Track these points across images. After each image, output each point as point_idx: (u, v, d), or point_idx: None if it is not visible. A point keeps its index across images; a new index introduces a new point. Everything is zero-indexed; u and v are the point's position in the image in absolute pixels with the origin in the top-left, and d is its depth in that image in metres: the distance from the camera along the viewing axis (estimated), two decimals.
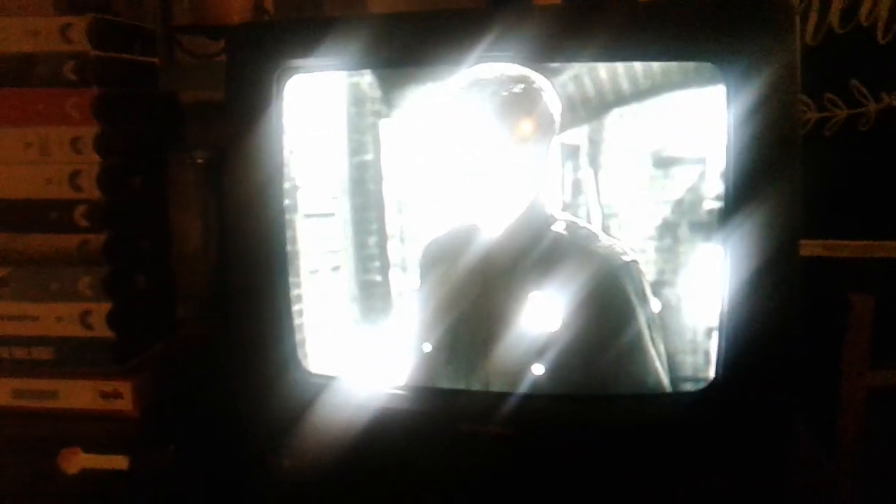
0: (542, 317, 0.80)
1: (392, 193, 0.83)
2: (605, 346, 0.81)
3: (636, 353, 0.80)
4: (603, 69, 0.76)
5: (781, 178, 0.71)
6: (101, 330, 0.94)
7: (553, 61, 0.77)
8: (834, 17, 1.17)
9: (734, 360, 0.74)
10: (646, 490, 0.78)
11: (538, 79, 0.79)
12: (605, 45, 0.72)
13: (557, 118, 0.79)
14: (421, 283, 0.86)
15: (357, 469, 0.82)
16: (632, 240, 0.78)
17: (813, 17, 1.18)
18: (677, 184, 0.75)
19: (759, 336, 0.73)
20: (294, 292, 0.84)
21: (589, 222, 0.79)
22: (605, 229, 0.78)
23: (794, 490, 0.95)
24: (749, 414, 0.75)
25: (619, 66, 0.75)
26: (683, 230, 0.76)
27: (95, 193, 0.93)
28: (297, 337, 0.85)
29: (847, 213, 1.21)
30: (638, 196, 0.77)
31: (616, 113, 0.76)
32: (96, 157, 0.92)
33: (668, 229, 0.76)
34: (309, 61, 0.78)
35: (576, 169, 0.78)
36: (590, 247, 0.80)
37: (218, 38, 1.24)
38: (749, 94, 0.69)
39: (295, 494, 0.87)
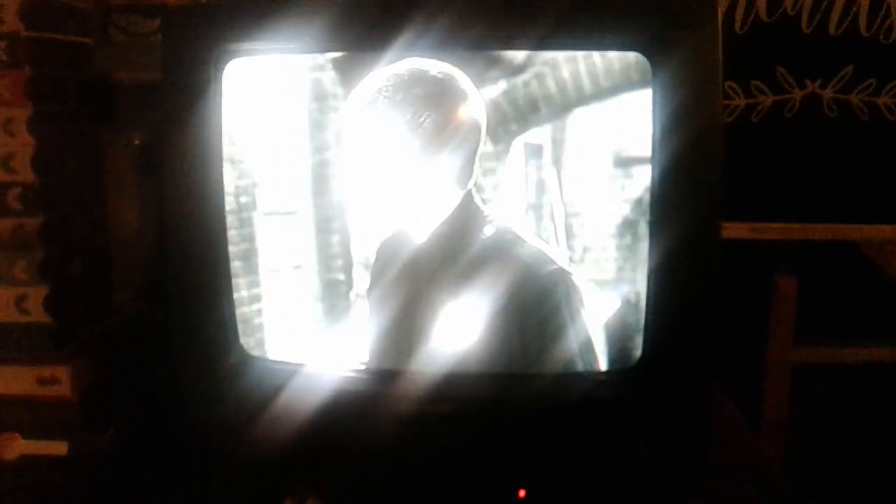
0: (463, 328, 0.80)
1: (354, 191, 0.82)
2: (528, 358, 0.81)
3: (561, 364, 0.80)
4: (565, 68, 0.76)
5: (703, 164, 0.73)
6: (38, 315, 0.93)
7: (486, 49, 0.77)
8: (761, 6, 1.20)
9: (659, 338, 0.76)
10: (581, 462, 0.80)
11: (460, 81, 0.77)
12: (538, 33, 0.73)
13: (483, 123, 0.78)
14: (370, 285, 0.85)
15: (295, 448, 0.82)
16: (593, 238, 0.79)
17: (741, 6, 1.20)
18: (637, 183, 0.76)
19: (682, 315, 0.75)
20: (253, 291, 0.83)
21: (553, 221, 0.79)
22: (568, 228, 0.79)
23: (722, 463, 1.00)
24: (674, 389, 0.77)
25: (581, 66, 0.76)
26: (643, 228, 0.77)
27: (29, 176, 0.91)
28: (257, 336, 0.84)
29: (773, 196, 1.25)
30: (599, 195, 0.78)
31: (578, 113, 0.77)
32: (30, 139, 0.91)
33: (628, 227, 0.78)
34: (246, 45, 0.77)
35: (539, 168, 0.78)
36: (514, 254, 0.80)
37: (153, 16, 1.22)
38: (674, 84, 0.71)
39: (237, 476, 0.86)
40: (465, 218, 0.81)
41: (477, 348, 0.80)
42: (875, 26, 1.19)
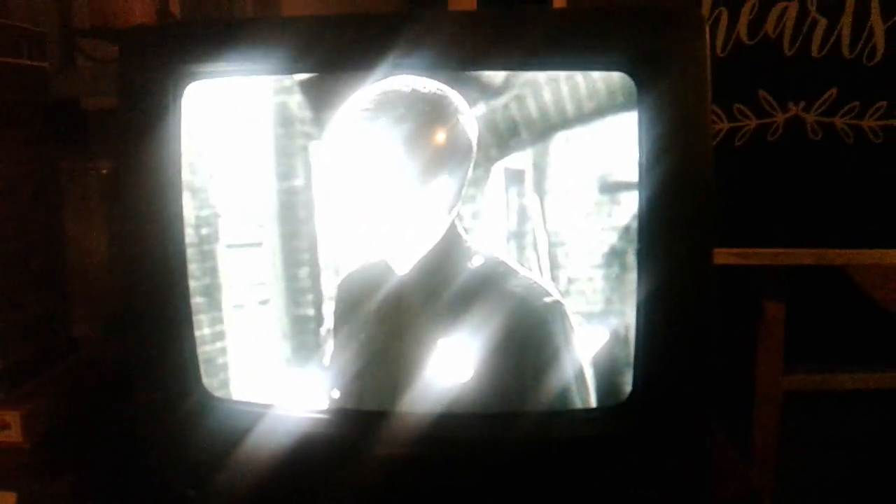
0: (454, 365, 0.77)
1: (324, 221, 0.79)
2: (525, 397, 0.77)
3: (559, 402, 0.77)
4: (547, 90, 0.73)
5: (693, 189, 0.70)
6: None
7: (467, 69, 0.74)
8: (742, 29, 1.19)
9: (650, 373, 0.73)
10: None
11: (455, 99, 0.75)
12: (520, 52, 0.70)
13: (475, 143, 0.75)
14: (335, 322, 0.81)
15: (263, 497, 0.79)
16: (578, 269, 0.75)
17: (722, 29, 1.19)
18: (624, 210, 0.74)
19: (674, 347, 0.72)
20: (216, 328, 0.80)
21: (536, 251, 0.75)
22: (552, 258, 0.75)
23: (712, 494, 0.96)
24: (667, 424, 0.74)
25: (564, 88, 0.73)
26: (631, 257, 0.74)
27: None
28: (221, 376, 0.80)
29: (758, 221, 1.23)
30: (585, 223, 0.75)
31: (561, 136, 0.74)
32: None
33: (615, 257, 0.75)
34: (207, 66, 0.74)
35: (521, 195, 0.75)
36: (508, 286, 0.76)
37: (119, 42, 1.19)
38: (660, 105, 0.69)
39: None
40: (451, 248, 0.78)
41: (471, 385, 0.76)
42: (858, 48, 1.18)
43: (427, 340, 0.78)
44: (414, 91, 0.74)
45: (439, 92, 0.74)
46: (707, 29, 0.70)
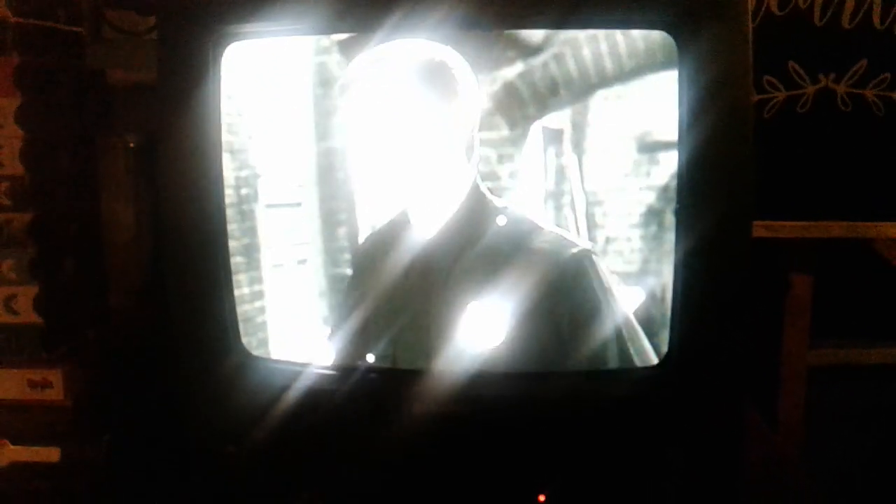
0: (488, 325, 0.77)
1: (362, 181, 0.79)
2: (565, 351, 0.77)
3: (602, 352, 0.77)
4: (586, 49, 0.73)
5: (733, 149, 0.70)
6: (28, 315, 0.89)
7: (506, 27, 0.74)
8: (772, 0, 1.18)
9: (687, 333, 0.73)
10: (601, 465, 0.77)
11: (451, 55, 0.75)
12: (560, 10, 0.70)
13: (476, 98, 0.76)
14: (357, 284, 0.82)
15: (301, 453, 0.80)
16: (616, 228, 0.76)
17: (752, 1, 1.18)
18: (663, 169, 0.74)
19: (711, 308, 0.73)
20: (255, 287, 0.81)
21: (574, 210, 0.76)
22: (590, 218, 0.76)
23: (748, 466, 0.97)
24: (703, 385, 0.75)
25: (603, 45, 0.73)
26: (669, 217, 0.74)
27: (18, 169, 0.87)
28: (259, 335, 0.81)
29: (786, 193, 1.22)
30: (623, 182, 0.75)
31: (600, 95, 0.74)
32: (19, 131, 0.87)
33: (653, 216, 0.75)
34: (247, 26, 0.74)
35: (559, 154, 0.75)
36: (534, 242, 0.76)
37: (148, 13, 1.19)
38: (701, 64, 0.68)
39: (239, 483, 0.83)
40: (475, 208, 0.78)
41: (506, 344, 0.77)
42: (889, 19, 1.17)
43: (457, 302, 0.78)
44: (413, 49, 0.75)
45: (439, 50, 0.75)
46: None
